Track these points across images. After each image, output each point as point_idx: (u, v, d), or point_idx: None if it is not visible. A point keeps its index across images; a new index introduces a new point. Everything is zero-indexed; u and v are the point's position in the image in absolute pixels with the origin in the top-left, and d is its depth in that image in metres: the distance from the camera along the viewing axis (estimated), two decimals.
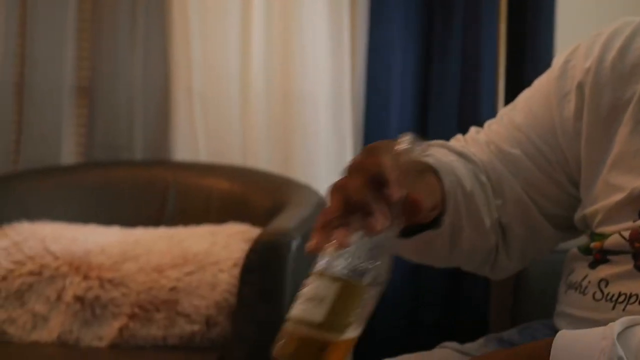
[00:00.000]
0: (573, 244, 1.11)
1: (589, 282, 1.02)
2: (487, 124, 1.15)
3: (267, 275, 1.78)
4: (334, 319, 0.71)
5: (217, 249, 1.95)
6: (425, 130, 2.36)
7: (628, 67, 1.02)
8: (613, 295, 0.99)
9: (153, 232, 2.07)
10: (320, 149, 2.33)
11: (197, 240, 1.98)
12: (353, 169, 0.79)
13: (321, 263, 0.74)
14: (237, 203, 2.17)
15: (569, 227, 1.11)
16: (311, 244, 0.75)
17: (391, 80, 2.35)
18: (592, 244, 1.04)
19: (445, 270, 2.25)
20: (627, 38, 1.05)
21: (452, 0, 2.33)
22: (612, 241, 1.01)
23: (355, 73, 2.38)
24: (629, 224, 0.99)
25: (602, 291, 1.00)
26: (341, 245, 0.73)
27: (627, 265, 0.99)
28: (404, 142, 0.81)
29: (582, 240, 1.09)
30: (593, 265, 1.03)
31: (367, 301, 0.73)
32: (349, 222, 0.74)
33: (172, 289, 1.87)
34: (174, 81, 2.38)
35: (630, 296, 0.97)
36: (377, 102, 2.35)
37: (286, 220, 1.90)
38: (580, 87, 1.06)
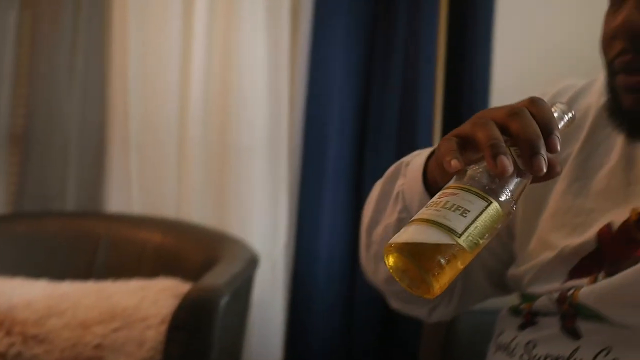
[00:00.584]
0: (505, 303, 1.12)
1: (517, 344, 1.03)
2: None
3: (194, 333, 1.75)
4: (471, 234, 0.73)
5: (146, 304, 1.91)
6: (362, 169, 2.37)
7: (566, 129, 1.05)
8: (540, 358, 0.99)
9: (81, 286, 2.03)
10: (256, 202, 2.32)
11: (126, 295, 1.94)
12: (514, 111, 0.79)
13: (466, 179, 0.77)
14: (169, 257, 2.15)
15: (503, 283, 1.12)
16: (455, 160, 0.78)
17: (327, 127, 2.35)
18: (522, 305, 1.05)
19: (379, 315, 2.26)
20: (569, 99, 1.08)
21: (391, 31, 2.34)
22: (541, 303, 1.02)
23: (292, 123, 2.38)
24: (558, 284, 1.01)
25: (529, 353, 1.01)
26: (501, 172, 0.75)
27: (554, 328, 0.99)
28: (559, 108, 0.84)
29: (513, 300, 1.09)
30: (522, 326, 1.04)
31: (496, 231, 0.76)
32: (508, 152, 0.76)
33: (97, 346, 1.83)
34: (110, 131, 2.36)
35: (557, 358, 0.97)
36: (315, 152, 2.35)
37: (216, 276, 1.87)
38: None
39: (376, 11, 2.39)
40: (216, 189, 2.34)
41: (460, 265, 0.73)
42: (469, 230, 0.73)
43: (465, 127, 0.81)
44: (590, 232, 1.01)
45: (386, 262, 0.76)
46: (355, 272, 2.34)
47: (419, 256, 0.72)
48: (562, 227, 1.03)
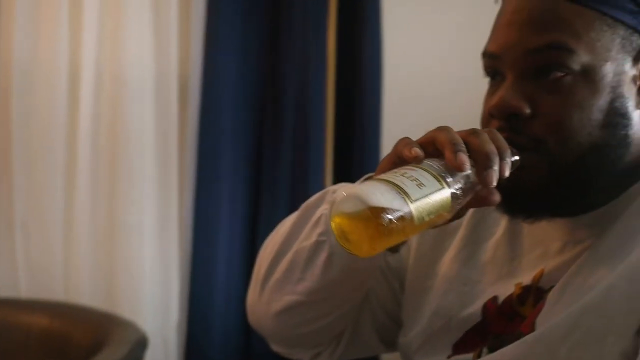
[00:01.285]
0: None
1: None
2: None
3: None
4: (422, 206, 0.75)
5: None
6: (256, 230, 2.36)
7: None
8: None
9: None
10: (146, 282, 2.27)
11: None
12: (475, 131, 0.84)
13: (428, 163, 0.80)
14: (57, 341, 2.07)
15: (392, 341, 1.12)
16: (416, 149, 0.81)
17: (220, 208, 2.33)
18: None
19: None
20: None
21: (282, 100, 2.35)
22: None
23: (183, 201, 2.36)
24: (443, 358, 1.00)
25: None
26: (461, 167, 0.79)
27: None
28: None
29: None
30: None
31: (440, 218, 0.79)
32: (467, 152, 0.80)
33: None
34: None
35: None
36: (205, 232, 2.33)
37: None
38: None
39: (264, 69, 2.40)
40: (105, 269, 2.29)
41: (401, 232, 0.74)
42: (422, 201, 0.75)
43: (424, 135, 0.85)
44: (476, 304, 1.00)
45: (332, 212, 0.77)
46: (251, 340, 2.32)
47: (369, 208, 0.73)
48: (449, 296, 1.03)
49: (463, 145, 0.81)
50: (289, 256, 1.03)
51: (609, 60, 0.90)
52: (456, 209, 0.80)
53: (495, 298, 0.99)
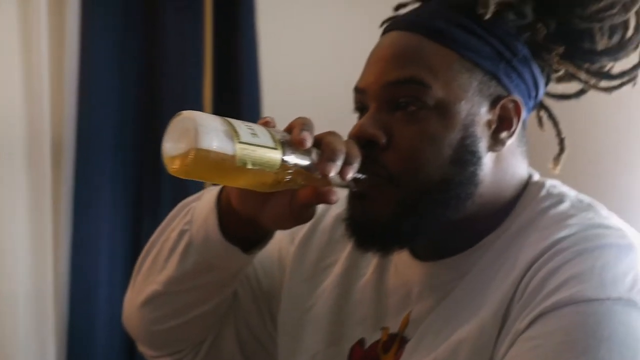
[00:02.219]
0: None
1: None
2: None
3: None
4: (248, 150, 0.79)
5: None
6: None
7: (337, 236, 1.09)
8: None
9: None
10: (19, 354, 2.12)
11: None
12: (336, 133, 0.90)
13: (277, 129, 0.85)
14: None
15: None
16: (268, 118, 0.88)
17: (98, 272, 2.22)
18: None
19: None
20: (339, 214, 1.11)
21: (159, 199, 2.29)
22: None
23: (58, 269, 2.21)
24: None
25: None
26: (301, 142, 0.84)
27: None
28: None
29: None
30: None
31: (259, 175, 0.81)
32: (311, 132, 0.86)
33: None
34: None
35: None
36: (83, 300, 2.21)
37: None
38: (300, 241, 1.13)
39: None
40: None
41: (219, 166, 0.78)
42: (249, 147, 0.79)
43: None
44: (343, 345, 1.04)
45: (172, 120, 0.80)
46: None
47: (201, 127, 0.76)
48: (320, 333, 1.06)
49: (311, 126, 0.86)
50: (157, 246, 1.06)
51: (463, 99, 0.95)
52: (285, 181, 0.83)
53: (362, 341, 1.03)
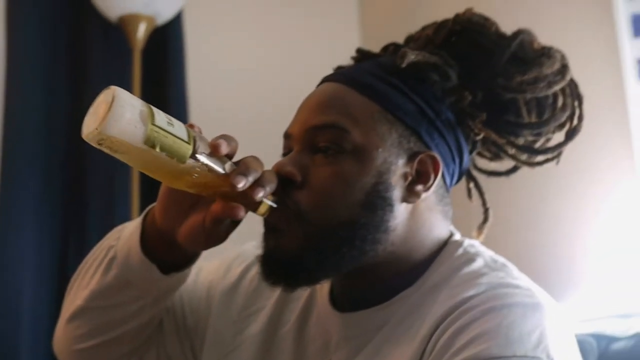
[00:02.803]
0: None
1: None
2: None
3: None
4: (159, 135, 0.83)
5: None
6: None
7: (262, 285, 1.09)
8: None
9: None
10: None
11: None
12: (260, 160, 0.93)
13: (197, 132, 0.89)
14: None
15: None
16: (193, 123, 0.91)
17: (23, 289, 2.18)
18: None
19: None
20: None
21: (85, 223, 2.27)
22: None
23: None
24: None
25: None
26: (216, 148, 0.88)
27: None
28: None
29: None
30: None
31: (166, 162, 0.85)
32: (231, 144, 0.90)
33: None
34: None
35: None
36: (7, 316, 2.17)
37: None
38: (228, 285, 1.15)
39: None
40: None
41: (130, 140, 0.81)
42: (160, 132, 0.83)
43: None
44: None
45: (101, 94, 0.83)
46: None
47: (119, 99, 0.80)
48: None
49: (234, 144, 0.90)
50: (87, 263, 1.08)
51: (380, 147, 0.98)
52: (192, 179, 0.87)
53: None
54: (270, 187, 0.91)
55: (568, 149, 1.11)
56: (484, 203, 1.15)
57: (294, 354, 1.06)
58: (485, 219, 1.14)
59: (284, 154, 1.04)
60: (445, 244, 1.04)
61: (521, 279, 0.98)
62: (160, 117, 0.84)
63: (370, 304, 1.01)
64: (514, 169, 1.15)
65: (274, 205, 0.93)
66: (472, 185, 1.16)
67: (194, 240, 0.95)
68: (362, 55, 1.12)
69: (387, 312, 0.99)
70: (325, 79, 1.07)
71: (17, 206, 2.20)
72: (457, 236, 1.07)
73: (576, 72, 1.12)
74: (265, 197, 0.91)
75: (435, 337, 0.91)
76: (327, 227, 0.96)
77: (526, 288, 0.95)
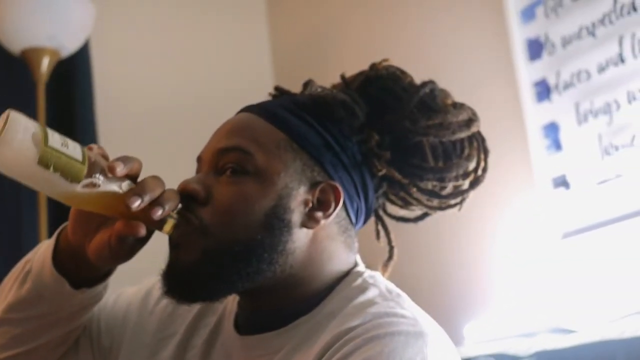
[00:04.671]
0: None
1: None
2: None
3: None
4: (53, 155, 0.86)
5: None
6: None
7: (180, 310, 1.14)
8: None
9: None
10: None
11: None
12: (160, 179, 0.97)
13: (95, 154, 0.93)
14: None
15: None
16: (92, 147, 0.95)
17: None
18: None
19: None
20: None
21: None
22: None
23: None
24: None
25: None
26: (111, 168, 0.92)
27: None
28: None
29: None
30: None
31: (62, 182, 0.88)
32: (130, 165, 0.94)
33: None
34: None
35: None
36: None
37: None
38: (144, 310, 1.18)
39: None
40: None
41: (25, 158, 0.85)
42: (54, 153, 0.86)
43: None
44: None
45: None
46: None
47: (12, 121, 0.85)
48: None
49: (130, 158, 0.94)
50: (9, 276, 1.10)
51: (282, 172, 1.02)
52: (89, 195, 0.90)
53: None
54: (169, 206, 0.95)
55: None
56: (389, 242, 1.18)
57: None
58: (390, 257, 1.17)
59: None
60: (346, 274, 1.07)
61: (410, 309, 1.00)
62: (54, 138, 0.88)
63: (270, 328, 1.03)
64: (423, 216, 1.19)
65: (176, 221, 0.97)
66: (379, 226, 1.19)
67: (101, 257, 0.98)
68: (280, 93, 1.16)
69: (284, 338, 1.02)
70: (242, 110, 1.11)
71: None
72: (361, 267, 1.09)
73: (476, 92, 1.14)
74: (164, 216, 0.95)
75: None
76: (226, 243, 0.99)
77: (411, 317, 0.97)
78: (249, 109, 1.10)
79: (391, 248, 1.17)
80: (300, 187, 1.03)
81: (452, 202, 1.15)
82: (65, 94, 2.45)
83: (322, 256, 1.04)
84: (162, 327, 1.15)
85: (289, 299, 1.03)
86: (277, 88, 1.16)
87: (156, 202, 0.94)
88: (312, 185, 1.03)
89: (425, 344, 0.92)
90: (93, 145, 0.96)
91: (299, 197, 1.02)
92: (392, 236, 1.18)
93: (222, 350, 1.08)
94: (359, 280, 1.05)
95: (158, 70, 2.75)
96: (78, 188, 0.89)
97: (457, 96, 1.18)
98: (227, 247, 0.99)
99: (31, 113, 2.26)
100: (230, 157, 1.02)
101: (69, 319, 1.08)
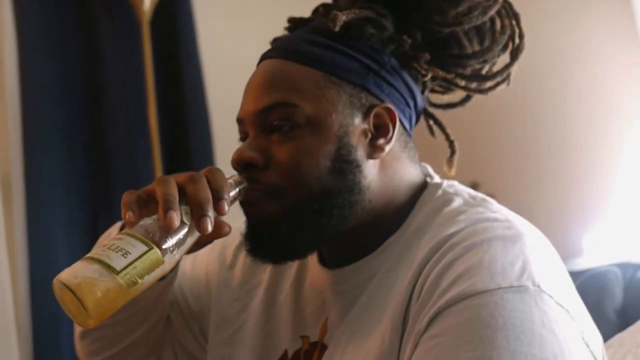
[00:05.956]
0: None
1: None
2: None
3: None
4: (130, 273, 0.82)
5: None
6: None
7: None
8: None
9: None
10: None
11: None
12: (194, 177, 0.90)
13: (136, 227, 0.86)
14: None
15: None
16: (130, 212, 0.87)
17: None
18: None
19: None
20: None
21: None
22: None
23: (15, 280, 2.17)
24: None
25: None
26: (168, 225, 0.85)
27: None
28: (233, 179, 0.96)
29: None
30: None
31: (155, 275, 0.85)
32: (178, 209, 0.87)
33: None
34: None
35: None
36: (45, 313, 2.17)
37: None
38: (225, 265, 1.19)
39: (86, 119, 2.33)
40: None
41: (118, 299, 0.81)
42: (128, 269, 0.82)
43: (149, 185, 0.90)
44: (271, 357, 1.07)
45: (55, 293, 0.82)
46: None
47: (77, 289, 0.79)
48: (248, 349, 1.10)
49: (175, 201, 0.87)
50: None
51: (333, 113, 0.98)
52: (176, 258, 0.87)
53: (285, 353, 1.06)
54: (227, 194, 0.91)
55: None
56: (447, 137, 1.15)
57: (293, 320, 1.08)
58: (453, 151, 1.14)
59: (241, 139, 1.04)
60: (422, 188, 1.05)
61: (500, 211, 0.98)
62: (116, 260, 0.82)
63: (359, 257, 1.02)
64: (467, 98, 1.15)
65: (244, 186, 0.96)
66: (431, 122, 1.16)
67: None
68: (294, 24, 1.10)
69: (375, 263, 1.01)
70: (264, 57, 1.06)
71: (43, 183, 2.21)
72: (436, 179, 1.08)
73: None
74: (231, 204, 0.93)
75: (421, 280, 0.91)
76: (303, 201, 0.96)
77: (504, 219, 0.95)
78: (272, 54, 1.05)
79: (451, 143, 1.15)
80: (354, 119, 0.99)
81: (500, 79, 1.11)
82: (168, 33, 2.47)
83: (395, 179, 1.02)
84: (246, 279, 1.16)
85: (373, 228, 1.01)
86: (290, 19, 1.11)
87: (217, 200, 0.90)
88: (365, 114, 1.00)
89: (525, 245, 0.90)
90: (126, 198, 0.89)
91: (357, 131, 0.99)
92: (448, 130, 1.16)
93: (312, 289, 1.08)
94: (439, 192, 1.03)
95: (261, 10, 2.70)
96: (167, 266, 0.86)
97: None
98: (305, 205, 0.97)
99: (137, 53, 2.33)
100: (277, 114, 0.98)
101: (155, 306, 1.10)
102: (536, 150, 2.63)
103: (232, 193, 0.94)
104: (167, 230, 0.86)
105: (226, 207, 0.90)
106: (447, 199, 1.01)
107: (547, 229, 1.00)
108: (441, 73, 1.06)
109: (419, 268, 0.92)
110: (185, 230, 0.88)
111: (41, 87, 2.27)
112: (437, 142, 1.17)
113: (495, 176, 2.59)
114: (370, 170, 1.00)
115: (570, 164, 2.46)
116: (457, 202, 1.00)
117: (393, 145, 1.02)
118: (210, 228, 0.88)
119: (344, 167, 0.97)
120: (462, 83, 1.11)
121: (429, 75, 1.07)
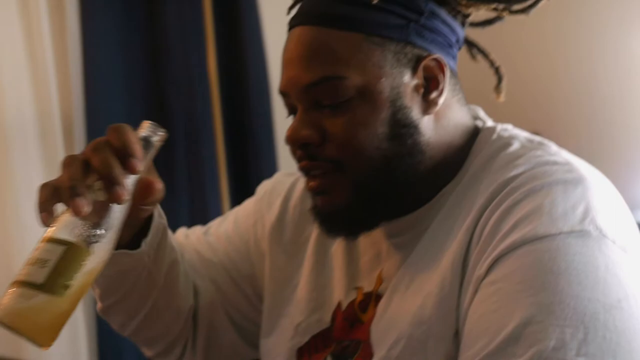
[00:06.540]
0: None
1: None
2: (199, 230, 1.24)
3: None
4: (55, 281, 0.75)
5: None
6: None
7: (307, 209, 1.11)
8: None
9: None
10: None
11: None
12: (96, 145, 0.81)
13: (49, 229, 0.78)
14: None
15: (257, 344, 1.16)
16: (44, 214, 0.80)
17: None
18: None
19: None
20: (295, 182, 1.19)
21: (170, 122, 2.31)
22: None
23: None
24: None
25: None
26: (77, 213, 0.77)
27: None
28: (145, 127, 0.86)
29: None
30: None
31: (88, 268, 0.77)
32: (85, 192, 0.78)
33: None
34: None
35: None
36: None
37: None
38: (273, 222, 1.17)
39: (148, 94, 2.36)
40: None
41: (59, 312, 0.75)
42: (52, 278, 0.74)
43: (58, 177, 0.82)
44: (324, 310, 1.07)
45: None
46: None
47: (12, 324, 0.73)
48: (302, 302, 1.09)
49: (78, 184, 0.79)
50: None
51: (383, 76, 0.94)
52: (111, 238, 0.80)
53: (339, 304, 1.05)
54: (137, 154, 0.82)
55: None
56: (491, 63, 1.10)
57: (346, 269, 1.07)
58: (499, 78, 1.10)
59: (288, 110, 1.01)
60: (475, 132, 1.02)
61: (559, 154, 0.95)
62: (36, 274, 0.75)
63: (415, 207, 1.00)
64: (495, 18, 1.09)
65: (162, 134, 0.87)
66: (474, 50, 1.12)
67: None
68: None
69: (431, 211, 0.99)
70: (295, 23, 1.00)
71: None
72: (489, 122, 1.04)
73: None
74: (141, 157, 0.83)
75: (480, 225, 0.89)
76: (367, 172, 0.95)
77: (564, 162, 0.92)
78: (304, 21, 0.98)
79: (496, 69, 1.10)
80: (404, 77, 0.95)
81: None
82: (230, 6, 2.44)
83: (449, 128, 0.99)
84: (297, 233, 1.15)
85: (430, 180, 0.99)
86: None
87: (125, 160, 0.81)
88: (414, 69, 0.96)
89: (587, 189, 0.87)
90: (42, 194, 0.82)
91: (408, 89, 0.96)
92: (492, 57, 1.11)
93: (366, 238, 1.06)
94: (494, 136, 1.00)
95: None
96: (101, 252, 0.80)
97: None
98: (369, 176, 0.95)
99: (198, 26, 2.34)
100: (325, 89, 0.94)
101: (157, 268, 1.05)
102: (599, 101, 2.58)
103: (148, 146, 0.86)
104: (84, 218, 0.78)
105: (138, 165, 0.81)
106: (504, 143, 0.98)
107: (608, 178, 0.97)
108: (482, 5, 1.01)
109: (478, 213, 0.90)
110: (109, 207, 0.80)
111: (102, 34, 2.26)
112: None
113: (553, 126, 2.54)
114: (427, 126, 0.97)
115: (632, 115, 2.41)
116: (514, 146, 0.97)
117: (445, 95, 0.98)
118: (125, 195, 0.80)
119: (403, 131, 0.95)
120: (506, 7, 1.02)
121: (470, 9, 1.02)
